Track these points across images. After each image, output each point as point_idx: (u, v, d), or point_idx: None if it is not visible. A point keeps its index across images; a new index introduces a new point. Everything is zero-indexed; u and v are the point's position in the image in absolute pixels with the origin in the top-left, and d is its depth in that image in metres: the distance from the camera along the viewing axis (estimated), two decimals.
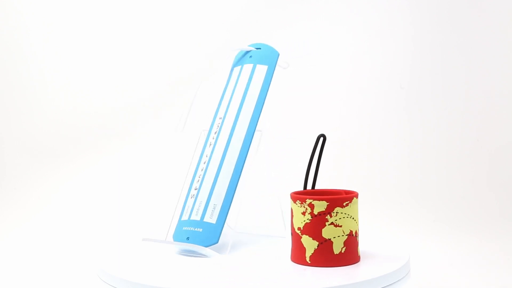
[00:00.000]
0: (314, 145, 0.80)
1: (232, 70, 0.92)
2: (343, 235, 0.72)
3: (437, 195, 1.61)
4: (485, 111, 1.69)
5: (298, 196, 0.73)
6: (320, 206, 0.71)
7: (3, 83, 1.81)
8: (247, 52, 0.92)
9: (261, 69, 0.89)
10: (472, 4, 1.72)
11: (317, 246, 0.72)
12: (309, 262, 0.72)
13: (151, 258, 0.80)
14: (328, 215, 0.71)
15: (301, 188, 0.80)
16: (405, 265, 0.74)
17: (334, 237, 0.72)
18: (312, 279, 0.69)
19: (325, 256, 0.72)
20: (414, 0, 1.77)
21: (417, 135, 1.71)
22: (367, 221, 1.52)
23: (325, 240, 0.72)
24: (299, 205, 0.72)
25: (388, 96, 1.74)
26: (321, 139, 0.79)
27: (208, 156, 0.83)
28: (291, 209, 0.75)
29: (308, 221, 0.72)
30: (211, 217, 0.80)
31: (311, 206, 0.71)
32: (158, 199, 1.61)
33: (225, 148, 0.83)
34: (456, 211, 1.55)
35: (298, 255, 0.74)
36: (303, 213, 0.72)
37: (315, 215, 0.71)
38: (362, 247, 0.84)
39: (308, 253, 0.72)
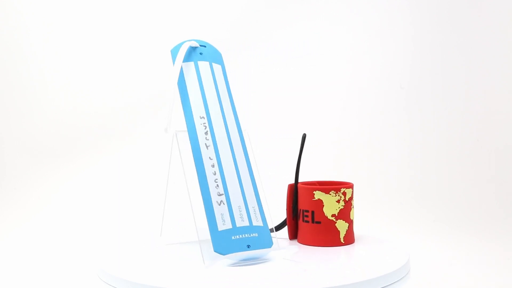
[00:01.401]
0: (301, 144, 0.87)
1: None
2: (354, 215, 0.87)
3: (437, 195, 1.61)
4: (485, 111, 1.69)
5: (332, 187, 0.83)
6: (349, 193, 0.85)
7: (3, 83, 1.81)
8: (194, 48, 0.87)
9: (218, 68, 0.87)
10: (472, 4, 1.72)
11: (348, 227, 0.84)
12: (343, 242, 0.84)
13: (151, 258, 0.80)
14: (352, 200, 0.85)
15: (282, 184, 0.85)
16: (405, 265, 0.74)
17: (353, 218, 0.86)
18: (312, 279, 0.69)
19: (351, 235, 0.85)
20: (414, 0, 1.77)
21: (417, 135, 1.71)
22: (367, 221, 1.52)
23: (351, 221, 0.85)
24: (334, 194, 0.83)
25: (388, 96, 1.74)
26: (303, 137, 0.89)
27: (214, 158, 0.80)
28: (319, 200, 0.83)
29: (342, 207, 0.84)
30: (257, 220, 0.78)
31: (344, 194, 0.84)
32: (158, 200, 1.61)
33: (230, 150, 0.81)
34: (456, 211, 1.55)
35: (332, 239, 0.84)
36: (338, 201, 0.83)
37: (347, 201, 0.84)
38: (362, 247, 0.84)
39: (342, 235, 0.84)
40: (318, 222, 0.84)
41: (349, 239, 0.85)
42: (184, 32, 1.80)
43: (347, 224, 0.84)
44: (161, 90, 1.79)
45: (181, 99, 0.83)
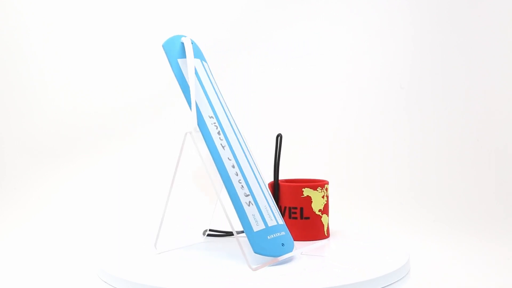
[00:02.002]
0: (276, 144, 0.89)
1: (175, 61, 0.84)
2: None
3: (437, 195, 1.61)
4: (485, 111, 1.69)
5: (319, 184, 0.88)
6: (328, 189, 0.90)
7: (3, 83, 1.81)
8: (183, 43, 0.85)
9: (207, 66, 0.86)
10: (472, 4, 1.72)
11: (328, 220, 0.90)
12: (326, 235, 0.90)
13: (151, 258, 0.80)
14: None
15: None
16: (405, 265, 0.74)
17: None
18: (312, 279, 0.69)
19: (329, 227, 0.92)
20: (414, 0, 1.77)
21: (417, 135, 1.71)
22: (368, 221, 1.52)
23: (328, 214, 0.91)
24: (320, 190, 0.88)
25: (388, 96, 1.74)
26: (279, 138, 0.91)
27: (233, 159, 0.78)
28: (308, 197, 0.87)
29: (325, 202, 0.89)
30: (279, 219, 0.79)
31: (326, 189, 0.89)
32: (158, 200, 1.61)
33: (243, 151, 0.80)
34: (456, 211, 1.55)
35: (318, 233, 0.89)
36: (323, 197, 0.88)
37: (327, 197, 0.90)
38: (362, 247, 0.84)
39: (325, 228, 0.89)
40: (307, 218, 0.88)
41: (328, 232, 0.91)
42: (184, 32, 1.80)
43: (328, 218, 0.90)
44: (161, 90, 1.79)
45: (186, 98, 0.80)
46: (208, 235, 0.93)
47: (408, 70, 1.75)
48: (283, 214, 0.89)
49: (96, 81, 1.81)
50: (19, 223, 1.55)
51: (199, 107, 0.79)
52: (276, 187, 0.90)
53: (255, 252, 0.74)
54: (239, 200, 0.76)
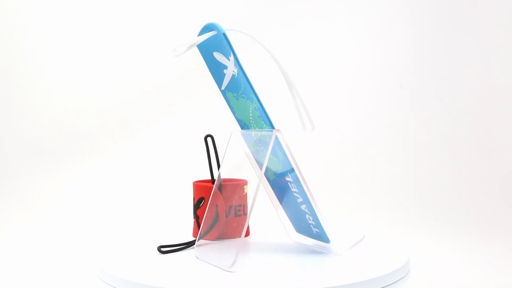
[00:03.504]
0: (205, 145, 0.89)
1: (211, 54, 0.82)
2: None
3: (437, 195, 1.61)
4: (485, 111, 1.69)
5: (244, 181, 0.91)
6: None
7: (3, 83, 1.81)
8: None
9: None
10: (472, 4, 1.72)
11: None
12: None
13: (151, 258, 0.80)
14: None
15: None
16: (405, 265, 0.74)
17: None
18: (312, 279, 0.69)
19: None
20: (414, 0, 1.77)
21: (417, 135, 1.71)
22: (367, 220, 1.52)
23: None
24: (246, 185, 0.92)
25: (388, 96, 1.74)
26: (205, 139, 0.91)
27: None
28: (246, 194, 0.90)
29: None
30: None
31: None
32: (157, 199, 1.61)
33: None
34: (456, 211, 1.55)
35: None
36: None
37: None
38: (362, 247, 0.84)
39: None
40: (246, 214, 0.91)
41: None
42: (184, 32, 1.80)
43: None
44: (161, 90, 1.79)
45: (253, 94, 0.78)
46: (164, 252, 0.84)
47: (408, 70, 1.75)
48: (228, 214, 0.89)
49: (96, 81, 1.81)
50: (19, 223, 1.55)
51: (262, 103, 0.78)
52: (220, 188, 0.89)
53: (328, 243, 0.77)
54: (308, 197, 0.77)
